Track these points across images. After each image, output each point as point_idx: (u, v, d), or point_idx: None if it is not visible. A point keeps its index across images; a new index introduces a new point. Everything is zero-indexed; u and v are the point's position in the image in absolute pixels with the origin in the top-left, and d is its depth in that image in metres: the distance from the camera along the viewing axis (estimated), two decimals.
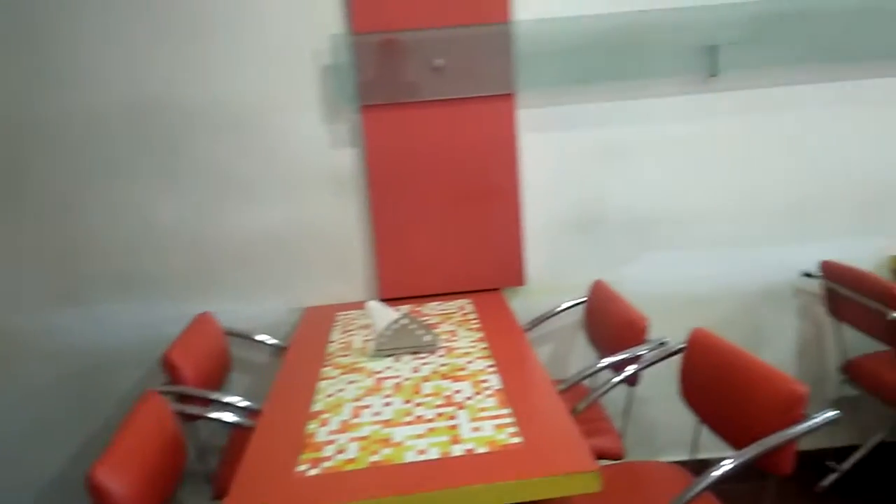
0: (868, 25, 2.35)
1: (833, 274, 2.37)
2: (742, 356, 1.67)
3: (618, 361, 1.95)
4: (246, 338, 2.45)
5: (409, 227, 2.41)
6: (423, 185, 2.38)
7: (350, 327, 2.23)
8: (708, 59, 2.35)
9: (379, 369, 1.87)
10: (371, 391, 1.72)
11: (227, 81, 2.29)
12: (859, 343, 2.38)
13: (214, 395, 2.03)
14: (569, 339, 2.56)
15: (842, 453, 2.47)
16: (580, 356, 2.54)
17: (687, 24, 2.33)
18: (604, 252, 2.51)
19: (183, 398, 1.97)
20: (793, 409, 1.46)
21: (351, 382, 1.79)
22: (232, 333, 2.42)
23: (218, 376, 2.24)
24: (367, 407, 1.64)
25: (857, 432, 2.56)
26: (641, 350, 1.94)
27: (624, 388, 1.97)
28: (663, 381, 1.98)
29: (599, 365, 1.97)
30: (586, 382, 2.05)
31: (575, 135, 2.42)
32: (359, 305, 2.41)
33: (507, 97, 2.33)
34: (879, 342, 2.18)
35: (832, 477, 2.42)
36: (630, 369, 1.94)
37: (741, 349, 1.69)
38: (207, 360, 2.17)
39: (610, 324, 2.16)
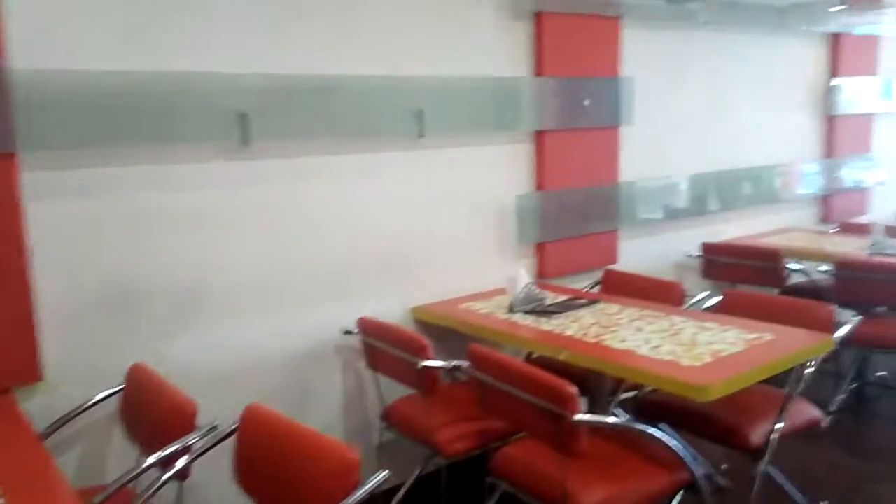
0: (382, 104, 2.65)
1: (368, 329, 2.56)
2: (294, 430, 1.65)
3: (165, 456, 1.73)
4: None
5: None
6: None
7: None
8: (240, 127, 2.33)
9: None
10: None
11: None
12: (395, 390, 2.61)
13: None
14: (104, 436, 2.20)
15: (389, 494, 2.66)
16: (121, 455, 2.21)
17: (217, 89, 2.28)
18: (143, 331, 2.26)
19: None
20: (347, 478, 1.48)
21: None
22: None
23: None
24: None
25: (400, 472, 2.79)
26: (191, 439, 1.76)
27: (175, 482, 1.76)
28: (219, 465, 1.83)
29: (144, 464, 1.73)
30: (132, 485, 1.77)
31: (99, 202, 2.14)
32: None
33: (6, 157, 1.93)
34: (409, 387, 2.42)
35: None
36: (180, 463, 1.74)
37: (294, 422, 1.67)
38: None
39: (153, 413, 1.92)
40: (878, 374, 3.85)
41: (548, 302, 2.78)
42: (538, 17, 3.07)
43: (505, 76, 3.02)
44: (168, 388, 1.90)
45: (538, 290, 2.77)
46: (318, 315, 2.63)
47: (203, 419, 1.79)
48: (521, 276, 2.73)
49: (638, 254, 3.65)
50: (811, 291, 3.52)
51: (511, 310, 2.70)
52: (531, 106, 3.09)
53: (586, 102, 3.24)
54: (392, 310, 2.80)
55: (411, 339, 2.32)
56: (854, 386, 3.61)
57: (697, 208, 3.90)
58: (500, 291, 2.95)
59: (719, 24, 3.79)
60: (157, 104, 2.17)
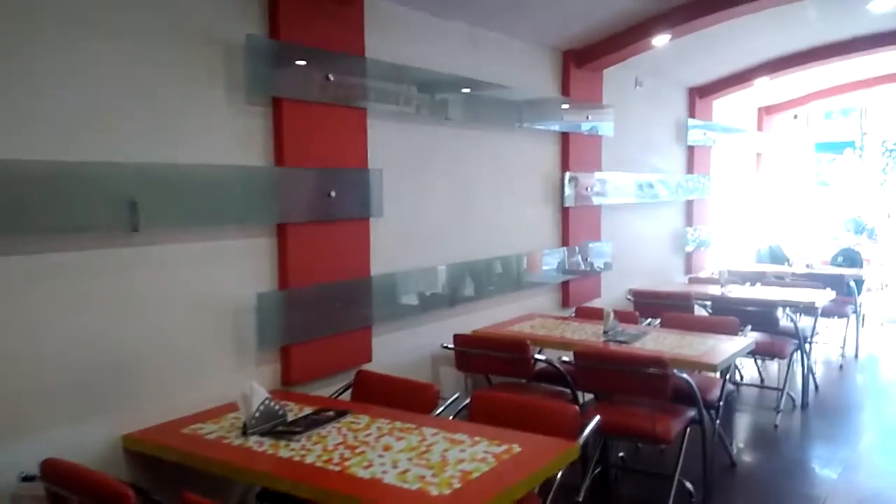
0: (84, 194, 2.22)
1: (55, 474, 2.04)
2: None
3: None
4: None
5: None
6: None
7: None
8: None
9: None
10: None
11: None
12: None
13: None
14: None
15: None
16: None
17: None
18: None
19: None
20: None
21: None
22: None
23: None
24: None
25: None
26: None
27: None
28: None
29: None
30: None
31: None
32: None
33: None
34: None
35: None
36: None
37: None
38: None
39: None
40: (620, 454, 4.05)
41: (290, 418, 2.47)
42: (278, 104, 2.85)
43: (241, 164, 2.74)
44: None
45: (278, 405, 2.45)
46: None
47: None
48: (256, 391, 2.39)
49: (393, 349, 3.50)
50: (556, 378, 3.63)
51: (245, 432, 2.34)
52: (271, 197, 2.83)
53: (332, 194, 3.06)
54: (95, 441, 2.30)
55: (108, 489, 1.86)
56: (598, 470, 3.73)
57: (450, 298, 3.88)
58: (236, 407, 2.57)
59: (464, 120, 3.90)
60: None
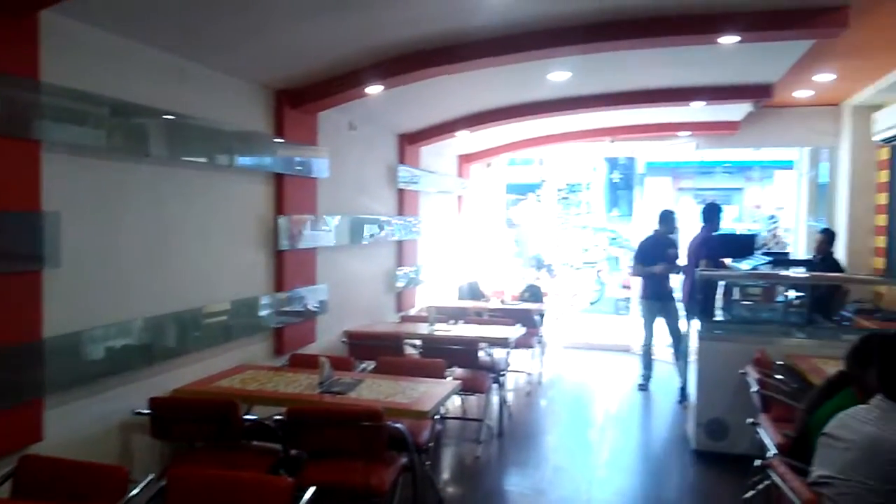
0: None
1: None
2: None
3: None
4: None
5: None
6: None
7: None
8: None
9: None
10: None
11: None
12: None
13: None
14: None
15: None
16: None
17: None
18: None
19: None
20: None
21: None
22: None
23: None
24: None
25: None
26: None
27: None
28: None
29: None
30: None
31: None
32: None
33: None
34: None
35: None
36: None
37: None
38: None
39: None
40: None
41: None
42: None
43: None
44: None
45: None
46: None
47: None
48: None
49: (75, 421, 2.99)
50: (270, 436, 3.41)
51: None
52: None
53: None
54: None
55: None
56: None
57: (149, 355, 3.45)
58: None
59: (168, 157, 3.53)
60: None
